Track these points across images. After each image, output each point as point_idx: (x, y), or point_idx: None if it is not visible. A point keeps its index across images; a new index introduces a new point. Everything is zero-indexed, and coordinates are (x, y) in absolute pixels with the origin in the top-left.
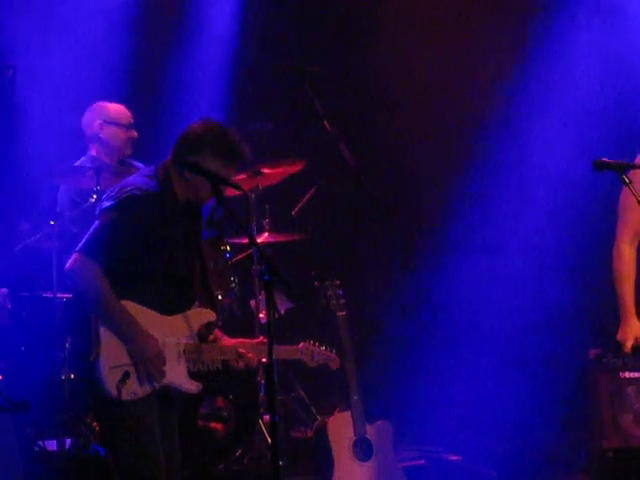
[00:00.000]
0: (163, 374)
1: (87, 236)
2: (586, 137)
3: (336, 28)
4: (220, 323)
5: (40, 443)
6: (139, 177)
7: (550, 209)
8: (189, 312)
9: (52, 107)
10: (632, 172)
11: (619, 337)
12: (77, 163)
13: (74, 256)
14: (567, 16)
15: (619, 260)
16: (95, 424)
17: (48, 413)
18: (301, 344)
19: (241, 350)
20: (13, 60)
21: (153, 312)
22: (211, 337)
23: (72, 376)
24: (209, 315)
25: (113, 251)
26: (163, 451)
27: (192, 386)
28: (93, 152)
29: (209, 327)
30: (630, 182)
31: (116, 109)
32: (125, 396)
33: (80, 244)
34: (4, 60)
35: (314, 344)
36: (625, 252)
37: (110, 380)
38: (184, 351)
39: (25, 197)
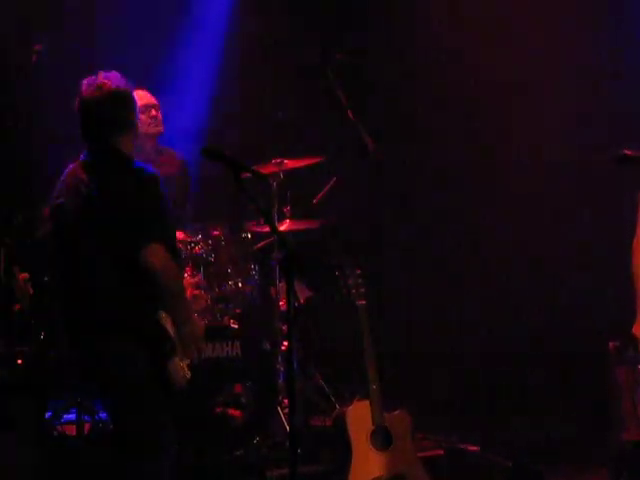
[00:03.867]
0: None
1: (150, 223)
2: None
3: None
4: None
5: (59, 428)
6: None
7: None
8: None
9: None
10: None
11: (634, 332)
12: None
13: (156, 248)
14: None
15: (638, 255)
16: None
17: (67, 398)
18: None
19: None
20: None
21: None
22: None
23: None
24: None
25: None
26: None
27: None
28: None
29: None
30: None
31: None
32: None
33: (150, 233)
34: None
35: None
36: None
37: (182, 372)
38: None
39: (48, 183)
